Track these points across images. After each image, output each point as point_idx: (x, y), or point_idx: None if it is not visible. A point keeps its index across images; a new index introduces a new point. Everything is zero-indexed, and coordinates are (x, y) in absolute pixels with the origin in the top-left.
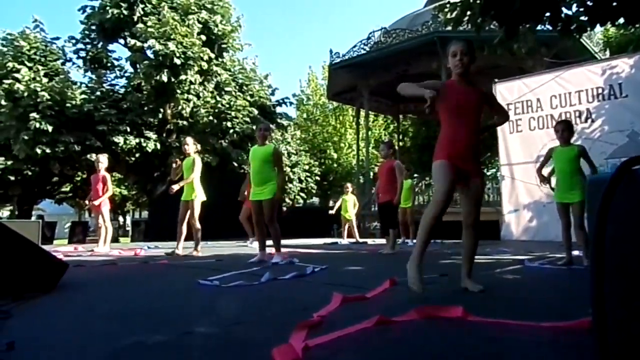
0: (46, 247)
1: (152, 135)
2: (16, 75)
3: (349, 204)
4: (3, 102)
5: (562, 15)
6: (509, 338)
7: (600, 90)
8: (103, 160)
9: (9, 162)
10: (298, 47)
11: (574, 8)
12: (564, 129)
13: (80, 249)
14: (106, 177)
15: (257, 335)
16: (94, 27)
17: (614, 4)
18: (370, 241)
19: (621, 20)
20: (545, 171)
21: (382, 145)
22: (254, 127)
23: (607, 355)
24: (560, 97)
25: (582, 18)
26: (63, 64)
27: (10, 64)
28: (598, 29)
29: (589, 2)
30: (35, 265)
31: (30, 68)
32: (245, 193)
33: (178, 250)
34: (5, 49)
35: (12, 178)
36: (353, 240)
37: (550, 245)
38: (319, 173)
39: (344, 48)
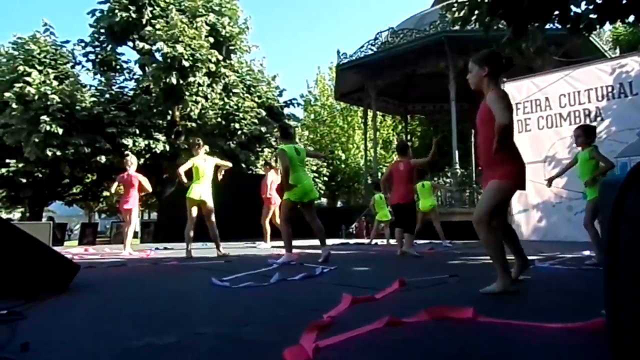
0: (57, 249)
1: (161, 137)
2: (27, 78)
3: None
4: (14, 105)
5: (571, 13)
6: (520, 339)
7: (610, 89)
8: (134, 160)
9: (20, 165)
10: (305, 48)
11: (583, 6)
12: (578, 135)
13: (90, 250)
14: (137, 177)
15: (267, 336)
16: (103, 31)
17: (624, 1)
18: (379, 242)
19: (631, 18)
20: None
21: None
22: (262, 129)
23: (622, 356)
24: (570, 96)
25: (592, 16)
26: (73, 67)
27: (21, 68)
28: (607, 27)
29: (598, 0)
30: (47, 266)
31: (40, 71)
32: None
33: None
34: (16, 53)
35: (24, 180)
36: (375, 240)
37: (560, 245)
38: (327, 174)
39: (351, 49)
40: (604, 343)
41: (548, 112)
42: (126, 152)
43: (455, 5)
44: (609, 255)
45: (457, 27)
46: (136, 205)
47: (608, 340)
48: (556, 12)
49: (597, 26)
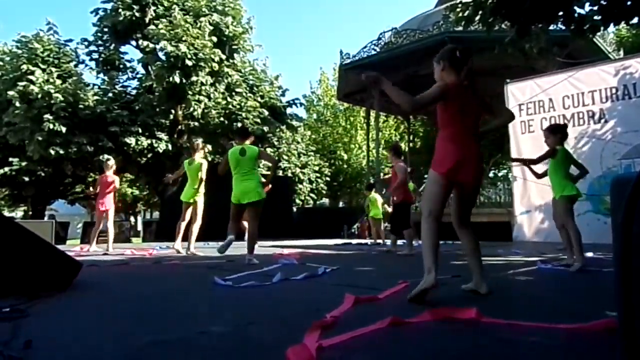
0: (60, 247)
1: (164, 136)
2: (30, 77)
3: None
4: (18, 104)
5: (575, 14)
6: (524, 340)
7: (613, 91)
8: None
9: (24, 163)
10: (309, 48)
11: (587, 7)
12: (546, 137)
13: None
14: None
15: (271, 335)
16: (106, 29)
17: (628, 3)
18: (381, 241)
19: (635, 20)
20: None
21: (389, 149)
22: (265, 128)
23: (636, 357)
24: (573, 97)
25: (596, 17)
26: (76, 65)
27: (24, 66)
28: (611, 29)
29: (602, 2)
30: (50, 264)
31: (44, 70)
32: None
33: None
34: (20, 52)
35: (26, 179)
36: (377, 240)
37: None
38: (329, 174)
39: (354, 49)
40: (608, 344)
41: (551, 114)
42: (107, 157)
43: (459, 5)
44: (622, 255)
45: (460, 28)
46: (112, 206)
47: (614, 341)
48: (560, 13)
49: (601, 28)
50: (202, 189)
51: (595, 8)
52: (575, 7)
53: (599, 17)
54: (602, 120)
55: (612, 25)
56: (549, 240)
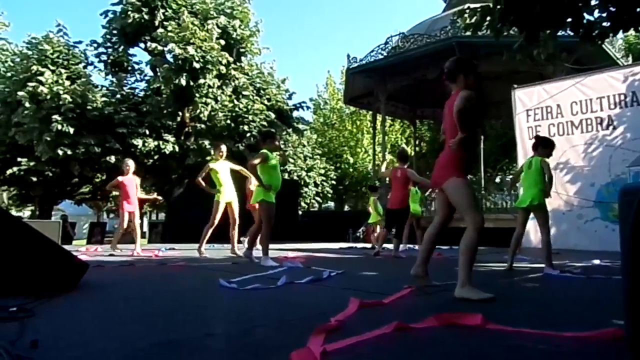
0: (67, 247)
1: (171, 138)
2: (40, 78)
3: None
4: (27, 105)
5: (584, 20)
6: (529, 347)
7: (622, 97)
8: (131, 164)
9: (32, 163)
10: (316, 52)
11: (596, 13)
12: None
13: (99, 249)
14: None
15: (275, 338)
16: (115, 32)
17: (638, 9)
18: (387, 246)
19: None
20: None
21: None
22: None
23: None
24: (581, 103)
25: (604, 24)
26: (85, 67)
27: (34, 67)
28: (619, 35)
29: (611, 8)
30: (57, 265)
31: (53, 71)
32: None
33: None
34: (30, 53)
35: (34, 179)
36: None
37: (569, 253)
38: (335, 177)
39: (361, 53)
40: (615, 353)
41: (559, 120)
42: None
43: (467, 11)
44: (630, 265)
45: (468, 33)
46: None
47: (621, 350)
48: (569, 20)
49: (610, 34)
50: (219, 190)
51: (604, 14)
52: (584, 14)
53: (608, 24)
54: (611, 127)
55: (621, 31)
56: (555, 247)
